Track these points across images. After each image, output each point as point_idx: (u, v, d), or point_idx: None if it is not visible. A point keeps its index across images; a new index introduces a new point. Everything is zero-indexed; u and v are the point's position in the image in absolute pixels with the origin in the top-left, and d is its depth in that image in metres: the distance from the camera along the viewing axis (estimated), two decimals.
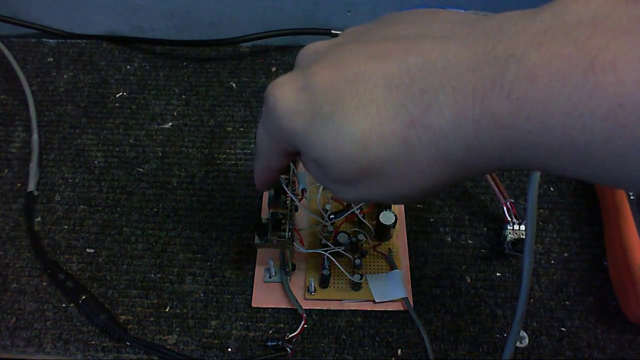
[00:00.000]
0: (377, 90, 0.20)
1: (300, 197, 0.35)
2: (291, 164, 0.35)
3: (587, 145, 0.16)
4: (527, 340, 0.36)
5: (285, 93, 0.22)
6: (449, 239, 0.41)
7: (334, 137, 0.21)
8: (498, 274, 0.39)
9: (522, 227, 0.38)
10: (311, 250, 0.38)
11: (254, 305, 0.37)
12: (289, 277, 0.38)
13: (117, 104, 0.50)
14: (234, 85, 0.51)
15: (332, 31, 0.50)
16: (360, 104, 0.20)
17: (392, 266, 0.38)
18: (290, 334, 0.35)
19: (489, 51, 0.18)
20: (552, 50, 0.16)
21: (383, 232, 0.39)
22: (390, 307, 0.37)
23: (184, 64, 0.53)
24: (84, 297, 0.37)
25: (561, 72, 0.16)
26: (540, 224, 0.41)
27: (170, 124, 0.48)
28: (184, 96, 0.50)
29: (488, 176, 0.40)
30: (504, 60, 0.17)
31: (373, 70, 0.20)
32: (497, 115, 0.18)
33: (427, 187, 0.21)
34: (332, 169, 0.22)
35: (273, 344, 0.35)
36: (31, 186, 0.43)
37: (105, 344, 0.36)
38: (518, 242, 0.38)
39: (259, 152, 0.26)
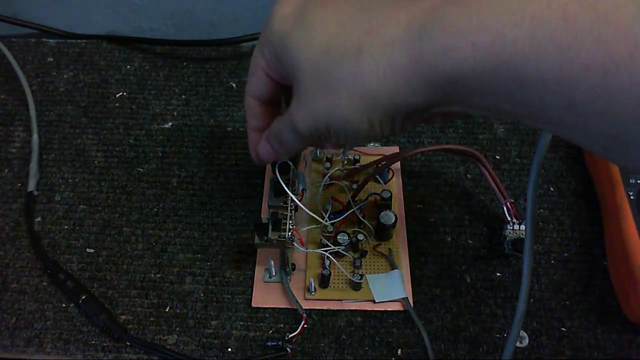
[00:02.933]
0: (351, 7, 0.23)
1: (300, 197, 0.35)
2: (291, 164, 0.36)
3: (513, 50, 0.18)
4: (527, 340, 0.36)
5: (285, 3, 0.26)
6: (449, 239, 0.41)
7: (305, 40, 0.24)
8: (498, 274, 0.39)
9: (522, 227, 0.38)
10: (311, 250, 0.38)
11: (254, 305, 0.37)
12: (289, 277, 0.38)
13: (117, 104, 0.50)
14: (234, 85, 0.51)
15: None
16: (334, 13, 0.23)
17: (392, 266, 0.38)
18: (290, 334, 0.35)
19: None
20: None
21: (383, 232, 0.39)
22: (390, 307, 0.37)
23: (184, 64, 0.53)
24: (84, 297, 0.37)
25: None
26: (540, 224, 0.41)
27: (170, 124, 0.48)
28: (184, 96, 0.50)
29: (488, 176, 0.40)
30: None
31: (354, 7, 0.23)
32: (444, 19, 0.20)
33: (371, 99, 0.22)
34: (298, 70, 0.24)
35: (273, 344, 0.35)
36: (31, 186, 0.43)
37: (105, 344, 0.36)
38: (518, 242, 0.38)
39: (249, 73, 0.29)
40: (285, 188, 0.33)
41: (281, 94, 0.30)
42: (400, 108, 0.22)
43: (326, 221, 0.39)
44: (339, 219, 0.39)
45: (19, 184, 0.44)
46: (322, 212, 0.40)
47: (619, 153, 0.19)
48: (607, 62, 0.16)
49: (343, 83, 0.23)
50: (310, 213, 0.38)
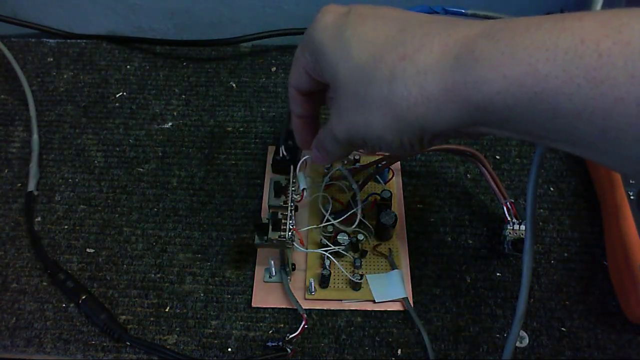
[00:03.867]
0: (389, 27, 0.24)
1: (300, 197, 0.35)
2: (291, 165, 0.36)
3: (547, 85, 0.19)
4: (527, 340, 0.36)
5: (331, 12, 0.27)
6: (449, 239, 0.41)
7: (343, 55, 0.25)
8: (498, 274, 0.39)
9: (522, 227, 0.38)
10: (311, 250, 0.38)
11: (254, 305, 0.37)
12: (289, 277, 0.38)
13: (117, 104, 0.50)
14: (234, 85, 0.51)
15: None
16: (372, 32, 0.25)
17: (392, 266, 0.38)
18: (291, 334, 0.35)
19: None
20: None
21: (383, 232, 0.39)
22: (390, 307, 0.37)
23: (184, 64, 0.53)
24: (84, 297, 0.37)
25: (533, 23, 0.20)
26: (540, 224, 0.41)
27: (170, 124, 0.48)
28: (184, 96, 0.50)
29: (488, 176, 0.40)
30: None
31: (397, 14, 0.25)
32: (476, 52, 0.21)
33: (402, 122, 0.23)
34: (336, 82, 0.26)
35: (273, 344, 0.35)
36: (31, 186, 0.43)
37: (105, 344, 0.36)
38: (518, 242, 0.38)
39: (292, 65, 0.30)
40: (286, 188, 0.33)
41: (320, 89, 0.31)
42: (428, 131, 0.23)
43: (326, 221, 0.39)
44: (340, 219, 0.39)
45: (19, 184, 0.44)
46: (322, 212, 0.40)
47: None
48: None
49: (377, 103, 0.24)
50: (310, 213, 0.38)
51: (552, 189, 0.43)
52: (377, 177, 0.42)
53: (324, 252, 0.37)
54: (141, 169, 0.45)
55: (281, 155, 0.40)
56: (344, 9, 0.27)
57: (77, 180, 0.44)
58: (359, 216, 0.37)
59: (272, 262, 0.38)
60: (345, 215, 0.39)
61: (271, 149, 0.45)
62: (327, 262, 0.38)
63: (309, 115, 0.32)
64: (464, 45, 0.21)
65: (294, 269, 0.38)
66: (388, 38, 0.24)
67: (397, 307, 0.37)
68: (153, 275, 0.39)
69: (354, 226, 0.37)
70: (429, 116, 0.23)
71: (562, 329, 0.36)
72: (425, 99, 0.22)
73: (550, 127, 0.20)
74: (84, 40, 0.55)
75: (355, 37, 0.25)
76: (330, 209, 0.40)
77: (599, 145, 0.20)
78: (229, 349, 0.36)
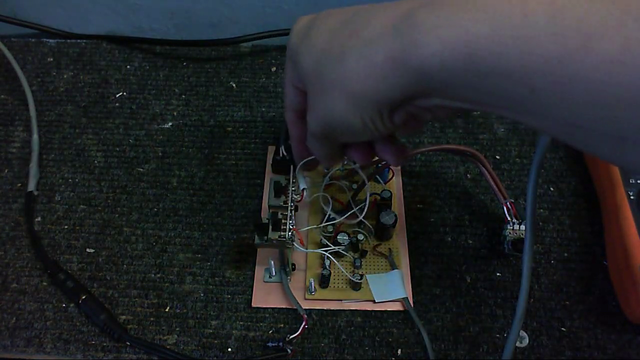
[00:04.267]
0: (345, 14, 0.26)
1: (300, 197, 0.35)
2: (291, 165, 0.36)
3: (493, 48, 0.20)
4: (527, 340, 0.36)
5: (303, 19, 0.29)
6: (449, 239, 0.41)
7: (307, 50, 0.27)
8: (498, 274, 0.39)
9: (522, 227, 0.38)
10: (311, 250, 0.38)
11: (254, 305, 0.37)
12: (289, 277, 0.38)
13: (117, 104, 0.50)
14: (234, 85, 0.51)
15: None
16: (331, 23, 0.26)
17: (392, 266, 0.38)
18: (291, 334, 0.35)
19: None
20: None
21: (383, 232, 0.39)
22: (390, 307, 0.37)
23: (184, 64, 0.53)
24: (84, 297, 0.37)
25: None
26: (540, 224, 0.41)
27: (170, 124, 0.48)
28: (184, 96, 0.50)
29: (488, 176, 0.40)
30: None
31: (360, 6, 0.26)
32: (414, 18, 0.22)
33: (357, 97, 0.24)
34: (305, 77, 0.27)
35: (273, 344, 0.35)
36: (31, 186, 0.43)
37: (105, 344, 0.36)
38: (518, 242, 0.38)
39: (284, 89, 0.32)
40: (286, 188, 0.33)
41: None
42: (382, 103, 0.24)
43: (326, 221, 0.39)
44: (341, 218, 0.39)
45: (19, 184, 0.44)
46: (322, 212, 0.40)
47: (582, 140, 0.20)
48: (562, 52, 0.18)
49: (334, 84, 0.25)
50: (310, 213, 0.38)
51: (552, 189, 0.43)
52: (377, 177, 0.42)
53: (324, 252, 0.37)
54: (141, 169, 0.45)
55: (281, 155, 0.40)
56: (312, 14, 0.28)
57: (77, 180, 0.44)
58: (366, 207, 0.37)
59: (272, 262, 0.38)
60: (346, 215, 0.39)
61: (271, 149, 0.45)
62: (327, 262, 0.38)
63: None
64: (405, 14, 0.22)
65: (294, 269, 0.38)
66: (341, 22, 0.25)
67: (397, 307, 0.37)
68: (153, 275, 0.39)
69: (364, 213, 0.37)
70: (379, 87, 0.23)
71: (562, 329, 0.36)
72: (372, 70, 0.23)
73: (485, 89, 0.21)
74: (84, 40, 0.55)
75: (317, 31, 0.26)
76: (330, 209, 0.40)
77: (531, 107, 0.20)
78: (229, 349, 0.36)
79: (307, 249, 0.39)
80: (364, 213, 0.38)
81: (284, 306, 0.37)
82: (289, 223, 0.34)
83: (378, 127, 0.26)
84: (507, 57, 0.19)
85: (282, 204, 0.35)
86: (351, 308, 0.37)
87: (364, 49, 0.23)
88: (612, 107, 0.18)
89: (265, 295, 0.38)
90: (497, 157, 0.45)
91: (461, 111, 0.25)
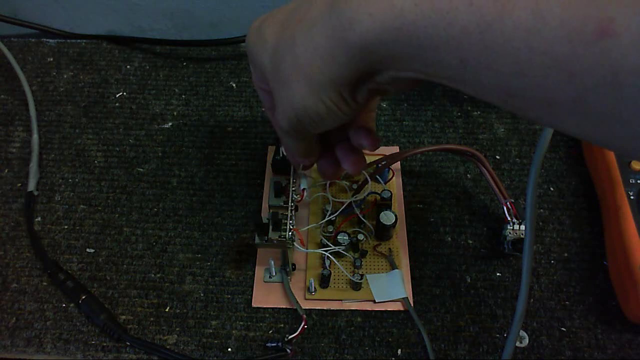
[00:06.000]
0: (291, 5, 0.26)
1: (300, 197, 0.35)
2: (291, 165, 0.36)
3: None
4: (527, 340, 0.36)
5: (255, 21, 0.29)
6: (449, 239, 0.41)
7: (262, 47, 0.27)
8: (498, 274, 0.39)
9: (522, 227, 0.38)
10: (311, 250, 0.38)
11: (254, 305, 0.37)
12: (289, 277, 0.38)
13: (117, 104, 0.50)
14: (234, 85, 0.51)
15: None
16: (280, 17, 0.27)
17: (392, 266, 0.38)
18: (290, 334, 0.35)
19: None
20: None
21: (383, 232, 0.39)
22: (390, 307, 0.37)
23: (184, 64, 0.53)
24: (84, 297, 0.37)
25: None
26: (540, 224, 0.41)
27: (170, 124, 0.48)
28: (184, 96, 0.50)
29: (488, 176, 0.40)
30: None
31: (297, 1, 0.26)
32: None
33: (312, 80, 0.24)
34: (265, 75, 0.28)
35: (273, 345, 0.35)
36: (31, 186, 0.43)
37: (105, 344, 0.36)
38: (518, 242, 0.38)
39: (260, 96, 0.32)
40: (286, 188, 0.33)
41: None
42: (337, 82, 0.24)
43: (326, 221, 0.39)
44: (339, 211, 0.39)
45: (19, 184, 0.44)
46: (322, 212, 0.40)
47: (520, 107, 0.21)
48: (481, 23, 0.18)
49: (290, 73, 0.25)
50: (311, 213, 0.38)
51: (552, 189, 0.43)
52: (377, 177, 0.42)
53: (324, 252, 0.37)
54: (141, 169, 0.45)
55: (281, 155, 0.40)
56: (262, 16, 0.29)
57: (77, 180, 0.44)
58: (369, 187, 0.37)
59: (272, 262, 0.38)
60: (345, 215, 0.39)
61: (271, 149, 0.45)
62: (327, 262, 0.38)
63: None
64: None
65: (294, 269, 0.38)
66: (289, 12, 0.26)
67: (397, 307, 0.37)
68: (153, 275, 0.39)
69: (366, 193, 0.37)
70: (330, 67, 0.24)
71: (562, 329, 0.36)
72: (320, 52, 0.23)
73: (423, 61, 0.21)
74: (84, 40, 0.55)
75: (268, 28, 0.27)
76: (330, 209, 0.40)
77: (465, 77, 0.21)
78: (229, 349, 0.36)
79: (307, 249, 0.39)
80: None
81: (284, 306, 0.37)
82: (289, 223, 0.34)
83: (342, 108, 0.26)
84: (433, 29, 0.20)
85: (282, 204, 0.35)
86: (351, 308, 0.37)
87: (308, 32, 0.24)
88: (536, 75, 0.18)
89: (266, 295, 0.38)
90: (497, 157, 0.45)
91: (419, 82, 0.25)
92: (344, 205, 0.39)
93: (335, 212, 0.39)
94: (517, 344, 0.35)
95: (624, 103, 0.17)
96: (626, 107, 0.17)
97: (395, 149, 0.45)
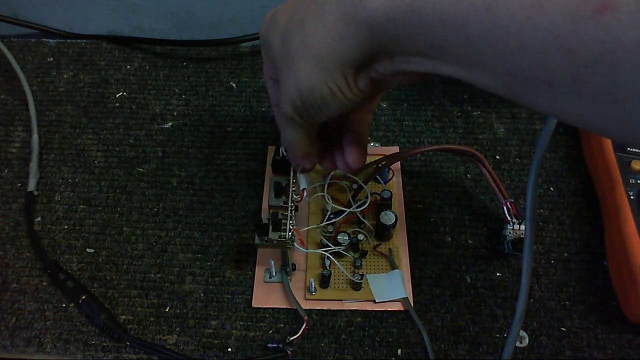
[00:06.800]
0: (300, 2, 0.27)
1: (300, 197, 0.35)
2: (291, 165, 0.35)
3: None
4: (527, 340, 0.36)
5: (270, 12, 0.29)
6: (449, 239, 0.41)
7: (273, 31, 0.28)
8: (498, 274, 0.39)
9: (522, 227, 0.38)
10: (311, 251, 0.38)
11: (254, 305, 0.37)
12: (289, 277, 0.38)
13: (117, 104, 0.50)
14: (234, 85, 0.51)
15: None
16: (292, 3, 0.27)
17: (392, 266, 0.38)
18: (291, 334, 0.35)
19: None
20: None
21: (383, 232, 0.39)
22: (390, 307, 0.37)
23: (184, 64, 0.53)
24: (84, 297, 0.37)
25: None
26: (540, 224, 0.41)
27: (170, 124, 0.48)
28: (184, 96, 0.50)
29: (488, 176, 0.40)
30: None
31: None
32: None
33: (320, 61, 0.25)
34: (275, 58, 0.28)
35: (273, 346, 0.35)
36: (31, 186, 0.43)
37: (105, 344, 0.36)
38: (518, 242, 0.38)
39: (268, 91, 0.33)
40: (286, 188, 0.33)
41: None
42: (344, 64, 0.25)
43: (326, 221, 0.39)
44: (339, 219, 0.39)
45: (19, 184, 0.44)
46: (322, 212, 0.40)
47: (520, 91, 0.21)
48: None
49: (298, 53, 0.26)
50: (310, 213, 0.38)
51: (552, 189, 0.43)
52: (377, 177, 0.42)
53: (324, 252, 0.37)
54: (141, 169, 0.45)
55: (281, 155, 0.40)
56: (278, 6, 0.29)
57: (77, 180, 0.44)
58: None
59: (272, 262, 0.38)
60: (345, 215, 0.39)
61: (271, 149, 0.45)
62: (327, 262, 0.38)
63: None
64: None
65: (294, 269, 0.38)
66: (293, 6, 0.27)
67: (397, 307, 0.37)
68: (153, 275, 0.39)
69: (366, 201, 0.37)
70: (338, 47, 0.24)
71: (562, 329, 0.36)
72: (329, 30, 0.24)
73: (430, 40, 0.21)
74: (84, 40, 0.55)
75: (281, 12, 0.28)
76: (330, 208, 0.40)
77: (469, 57, 0.21)
78: (229, 349, 0.36)
79: (307, 249, 0.39)
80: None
81: (284, 306, 0.37)
82: (289, 223, 0.34)
83: (345, 93, 0.26)
84: (442, 5, 0.20)
85: (282, 204, 0.35)
86: (351, 308, 0.37)
87: (319, 11, 0.24)
88: (538, 52, 0.18)
89: (266, 296, 0.38)
90: (497, 157, 0.45)
91: (421, 77, 0.26)
92: (345, 214, 0.39)
93: (335, 214, 0.39)
94: (517, 344, 0.35)
95: (620, 80, 0.17)
96: (623, 84, 0.17)
97: (395, 149, 0.45)
